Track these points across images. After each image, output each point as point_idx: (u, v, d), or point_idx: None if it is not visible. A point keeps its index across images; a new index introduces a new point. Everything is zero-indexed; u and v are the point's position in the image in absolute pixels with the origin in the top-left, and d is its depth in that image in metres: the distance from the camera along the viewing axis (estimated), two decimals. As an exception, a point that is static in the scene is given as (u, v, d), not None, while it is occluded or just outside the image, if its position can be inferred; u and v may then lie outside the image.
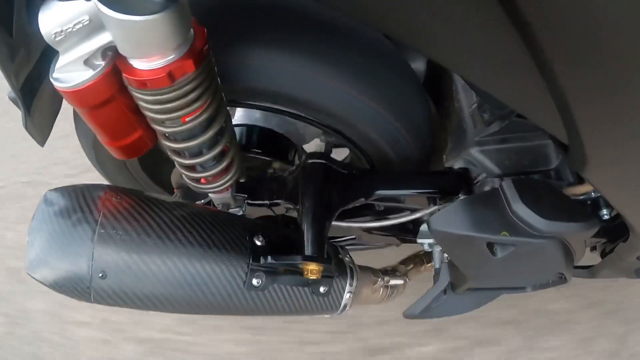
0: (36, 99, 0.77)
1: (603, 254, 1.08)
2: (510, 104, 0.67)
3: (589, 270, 1.13)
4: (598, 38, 0.50)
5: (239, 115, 1.18)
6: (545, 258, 0.86)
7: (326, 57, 0.92)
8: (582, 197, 0.91)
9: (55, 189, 0.84)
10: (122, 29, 0.61)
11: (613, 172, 0.72)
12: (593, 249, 1.11)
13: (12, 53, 0.68)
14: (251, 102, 0.98)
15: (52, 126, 0.87)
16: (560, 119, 0.63)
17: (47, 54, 0.71)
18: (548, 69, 0.54)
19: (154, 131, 0.81)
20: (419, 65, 1.15)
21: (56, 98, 0.82)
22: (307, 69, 0.91)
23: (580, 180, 0.90)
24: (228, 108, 0.87)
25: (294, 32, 0.92)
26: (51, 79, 0.68)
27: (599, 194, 0.90)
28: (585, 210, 0.90)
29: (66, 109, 0.86)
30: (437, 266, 1.07)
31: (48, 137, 0.86)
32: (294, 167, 1.11)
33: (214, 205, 1.05)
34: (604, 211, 0.91)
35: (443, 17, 0.53)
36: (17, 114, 0.77)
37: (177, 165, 0.90)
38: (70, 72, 0.68)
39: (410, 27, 0.55)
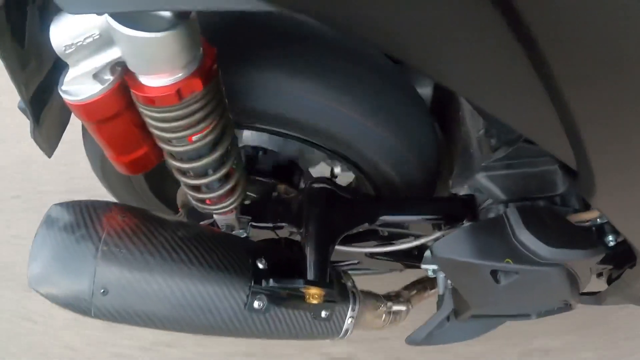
0: (45, 110, 0.78)
1: (609, 281, 1.07)
2: (519, 128, 0.66)
3: (595, 297, 1.11)
4: (608, 63, 0.50)
5: (245, 138, 1.19)
6: (549, 285, 0.86)
7: (333, 80, 0.92)
8: (587, 224, 0.90)
9: (60, 204, 0.84)
10: (132, 44, 0.62)
11: (621, 198, 0.72)
12: (599, 275, 1.10)
13: (23, 63, 0.69)
14: (258, 125, 0.98)
15: (60, 137, 0.88)
16: (569, 145, 0.63)
17: (58, 66, 0.71)
18: (557, 93, 0.54)
19: (159, 148, 0.82)
20: (425, 90, 1.16)
21: (65, 110, 0.82)
22: (313, 92, 0.92)
23: (586, 207, 0.89)
24: (235, 130, 0.88)
25: (302, 56, 0.92)
26: (60, 92, 0.69)
27: (605, 221, 0.89)
28: (590, 237, 0.90)
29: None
30: (441, 292, 1.06)
31: (56, 148, 0.87)
32: (299, 191, 1.11)
33: (218, 226, 1.05)
34: (610, 237, 0.90)
35: (451, 41, 0.53)
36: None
37: (182, 185, 0.90)
38: (79, 85, 0.68)
39: (418, 50, 0.55)
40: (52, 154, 0.86)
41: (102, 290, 0.78)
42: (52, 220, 0.81)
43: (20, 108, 0.76)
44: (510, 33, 0.49)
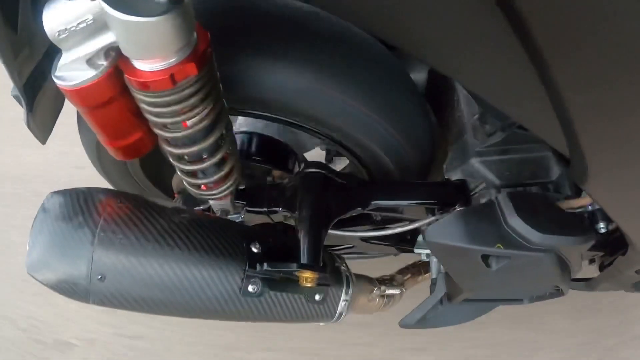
0: (39, 97, 0.78)
1: (601, 267, 1.08)
2: (512, 115, 0.67)
3: (587, 284, 1.12)
4: (600, 50, 0.50)
5: (240, 123, 1.19)
6: (540, 271, 0.86)
7: (327, 67, 0.92)
8: (579, 210, 0.91)
9: (57, 192, 0.85)
10: (126, 29, 0.61)
11: (614, 185, 0.72)
12: (592, 261, 1.11)
13: (16, 50, 0.69)
14: (252, 111, 0.98)
15: (54, 124, 0.88)
16: (562, 132, 0.63)
17: (51, 52, 0.71)
18: (551, 81, 0.54)
19: (154, 133, 0.82)
20: (420, 75, 1.16)
21: (59, 96, 0.83)
22: (308, 78, 0.91)
23: (578, 193, 0.90)
24: (229, 116, 0.88)
25: (295, 41, 0.92)
26: (53, 77, 0.68)
27: (596, 207, 0.90)
28: (581, 224, 0.90)
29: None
30: (434, 276, 1.06)
31: (49, 135, 0.87)
32: (293, 176, 1.11)
33: (213, 211, 1.06)
34: (601, 224, 0.91)
35: (446, 27, 0.53)
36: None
37: (177, 171, 0.91)
38: (73, 71, 0.68)
39: (413, 36, 0.56)
40: (45, 141, 0.86)
41: (100, 277, 0.80)
42: (50, 207, 0.82)
43: (13, 95, 0.76)
44: (505, 20, 0.49)
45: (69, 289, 0.80)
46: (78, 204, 0.82)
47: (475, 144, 0.96)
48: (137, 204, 0.87)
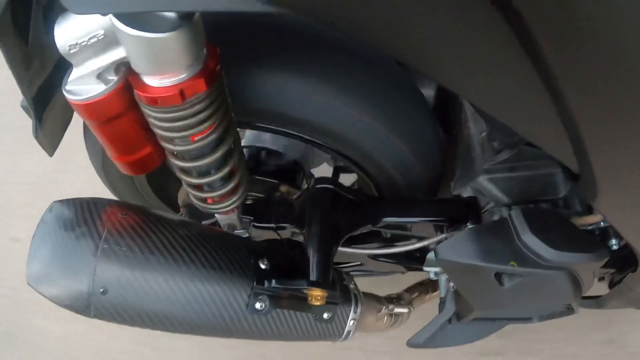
0: (48, 109, 0.78)
1: (611, 285, 1.07)
2: (521, 131, 0.66)
3: (596, 301, 1.11)
4: (610, 67, 0.50)
5: (249, 137, 1.19)
6: (553, 289, 0.85)
7: (337, 81, 0.92)
8: (590, 227, 0.90)
9: (61, 201, 0.83)
10: (136, 45, 0.61)
11: (624, 202, 0.72)
12: (601, 279, 1.10)
13: (27, 62, 0.69)
14: (261, 124, 0.97)
15: (62, 136, 0.88)
16: (572, 148, 0.63)
17: (61, 65, 0.71)
18: (559, 96, 0.54)
19: (163, 148, 0.81)
20: (428, 92, 1.15)
21: (67, 109, 0.82)
22: (318, 92, 0.91)
23: (589, 210, 0.89)
24: (238, 129, 0.87)
25: (306, 56, 0.92)
26: (63, 91, 0.69)
27: (608, 224, 0.89)
28: (594, 241, 0.89)
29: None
30: (443, 295, 1.05)
31: (57, 147, 0.87)
32: (302, 191, 1.11)
33: (219, 225, 1.05)
34: (613, 241, 0.90)
35: (454, 45, 0.53)
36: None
37: (184, 184, 0.90)
38: (83, 85, 0.68)
39: (420, 53, 0.55)
40: (53, 152, 0.86)
41: (102, 290, 0.77)
42: (52, 217, 0.81)
43: (22, 107, 0.76)
44: (513, 36, 0.49)
45: (70, 302, 0.78)
46: (82, 214, 0.81)
47: (483, 161, 0.95)
48: (143, 215, 0.85)
